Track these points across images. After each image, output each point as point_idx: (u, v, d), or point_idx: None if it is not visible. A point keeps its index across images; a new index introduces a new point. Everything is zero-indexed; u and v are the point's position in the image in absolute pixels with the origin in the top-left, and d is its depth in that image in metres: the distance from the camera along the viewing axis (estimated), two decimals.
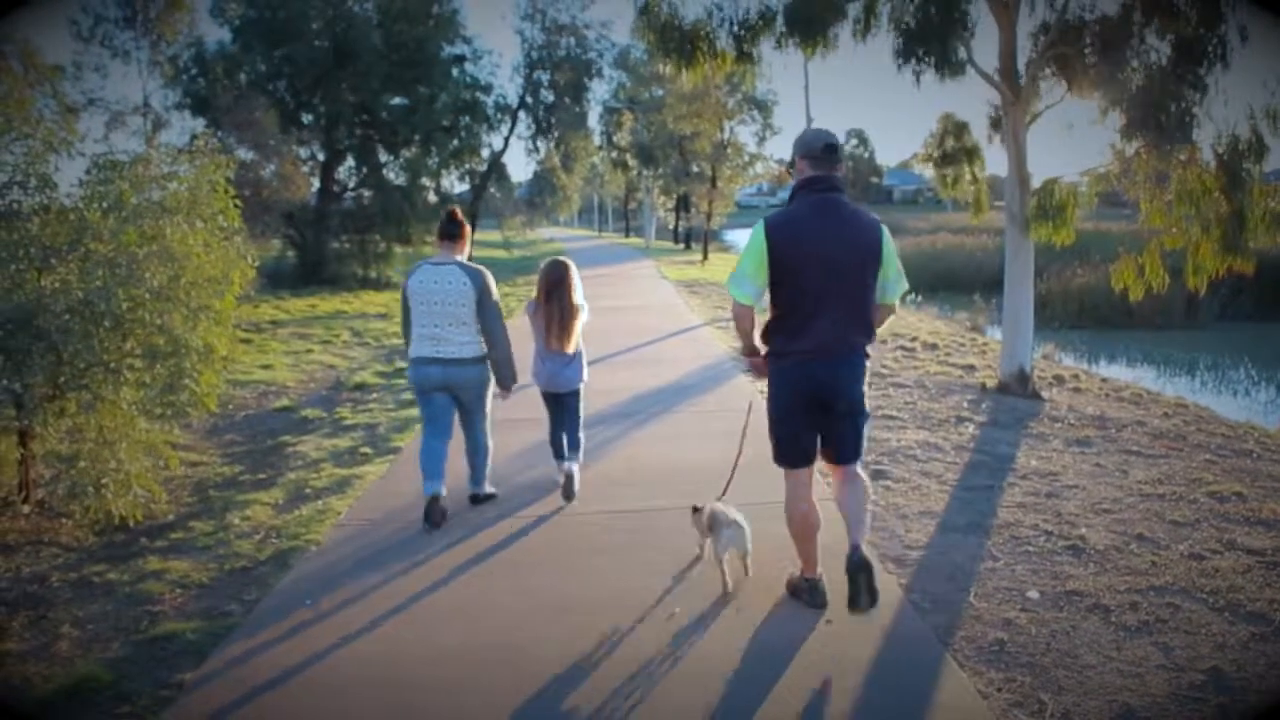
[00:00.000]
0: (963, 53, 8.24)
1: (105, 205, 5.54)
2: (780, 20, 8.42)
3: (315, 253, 23.81)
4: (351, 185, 26.55)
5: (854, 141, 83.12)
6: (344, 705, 3.20)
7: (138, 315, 5.38)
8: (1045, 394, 8.38)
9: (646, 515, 5.05)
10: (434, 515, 4.93)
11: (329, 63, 23.11)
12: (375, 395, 9.22)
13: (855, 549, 3.61)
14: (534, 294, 5.38)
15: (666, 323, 13.68)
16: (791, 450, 3.77)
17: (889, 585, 4.01)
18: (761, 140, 37.13)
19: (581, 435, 5.56)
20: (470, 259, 5.29)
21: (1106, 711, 3.08)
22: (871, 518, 4.12)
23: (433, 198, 26.42)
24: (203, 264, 5.74)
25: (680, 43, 8.60)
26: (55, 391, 5.38)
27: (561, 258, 5.50)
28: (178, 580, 4.42)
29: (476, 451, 5.27)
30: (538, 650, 3.51)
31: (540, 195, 38.10)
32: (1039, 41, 8.09)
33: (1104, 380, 10.36)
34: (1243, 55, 7.09)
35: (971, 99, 18.75)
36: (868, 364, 3.76)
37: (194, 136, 8.84)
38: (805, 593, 3.85)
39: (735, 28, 8.54)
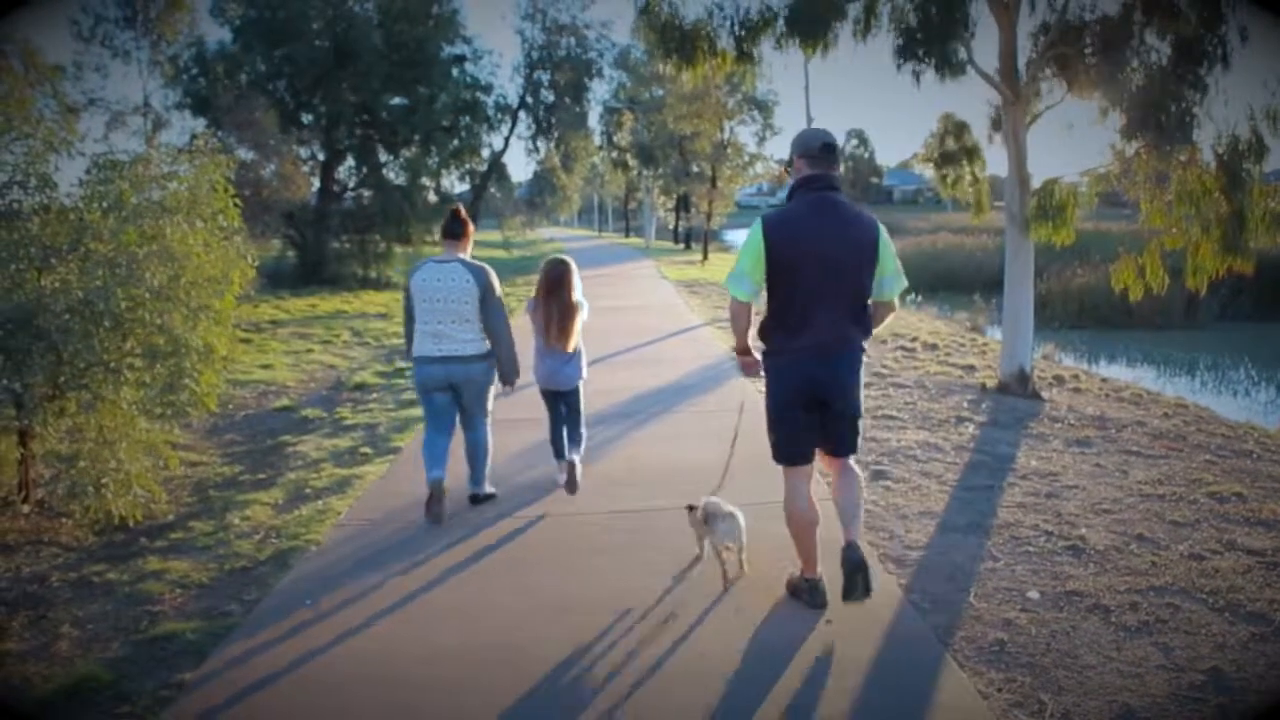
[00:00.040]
0: (963, 53, 8.23)
1: (105, 205, 5.54)
2: (781, 20, 8.42)
3: (315, 253, 23.82)
4: (351, 185, 26.58)
5: (854, 141, 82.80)
6: (344, 705, 3.20)
7: (138, 315, 5.38)
8: (1045, 394, 8.38)
9: (646, 515, 5.05)
10: (435, 502, 4.94)
11: (329, 63, 23.13)
12: (375, 395, 9.22)
13: (850, 544, 3.65)
14: (534, 292, 5.40)
15: (666, 323, 13.68)
16: (790, 448, 3.79)
17: (889, 585, 4.02)
18: (761, 140, 37.09)
19: (584, 431, 5.58)
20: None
21: (1106, 712, 3.07)
22: (865, 514, 4.15)
23: (433, 198, 26.47)
24: (203, 264, 5.74)
25: (680, 43, 8.60)
26: (55, 391, 5.38)
27: (562, 256, 5.50)
28: (178, 580, 4.42)
29: (477, 451, 5.26)
30: (537, 650, 3.51)
31: (540, 195, 38.19)
32: (1039, 41, 8.09)
33: (1104, 380, 10.35)
34: (1243, 55, 7.11)
35: (971, 99, 18.71)
36: (864, 360, 3.79)
37: (194, 136, 8.84)
38: (805, 593, 3.86)
39: (736, 28, 8.53)
